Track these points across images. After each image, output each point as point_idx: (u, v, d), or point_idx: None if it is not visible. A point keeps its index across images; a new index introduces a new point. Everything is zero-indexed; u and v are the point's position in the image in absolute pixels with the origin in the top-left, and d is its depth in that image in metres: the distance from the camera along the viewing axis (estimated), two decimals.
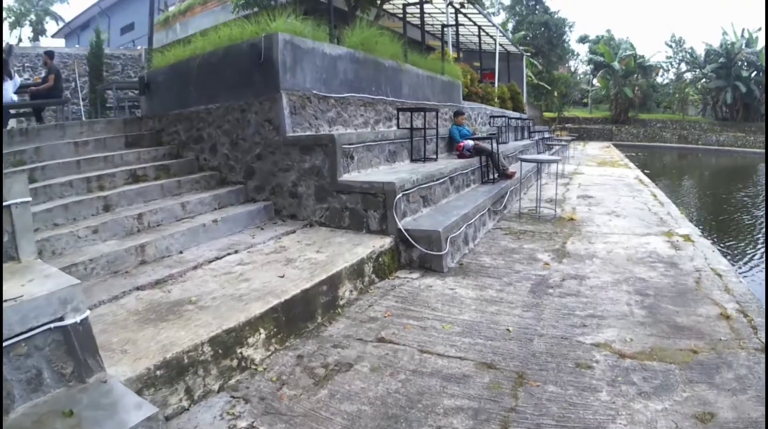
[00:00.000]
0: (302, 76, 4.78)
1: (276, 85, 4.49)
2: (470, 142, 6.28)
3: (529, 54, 22.72)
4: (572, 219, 5.46)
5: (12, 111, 6.61)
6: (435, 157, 6.09)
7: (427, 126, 6.06)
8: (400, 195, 3.96)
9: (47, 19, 27.24)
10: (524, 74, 19.53)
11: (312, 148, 4.32)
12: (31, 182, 4.14)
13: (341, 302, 3.19)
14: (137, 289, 3.04)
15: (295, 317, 2.78)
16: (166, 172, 5.05)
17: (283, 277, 3.09)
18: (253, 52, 4.57)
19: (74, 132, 5.56)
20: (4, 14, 25.88)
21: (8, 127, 5.70)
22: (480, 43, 15.05)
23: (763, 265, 4.95)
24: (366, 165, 4.89)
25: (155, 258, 3.60)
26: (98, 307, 2.77)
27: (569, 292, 3.25)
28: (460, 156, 6.21)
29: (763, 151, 17.31)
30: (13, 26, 26.53)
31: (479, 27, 14.18)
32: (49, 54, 7.18)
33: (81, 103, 10.60)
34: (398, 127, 6.10)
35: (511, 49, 18.17)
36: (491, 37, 15.50)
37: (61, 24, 25.24)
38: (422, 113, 6.26)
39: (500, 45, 16.06)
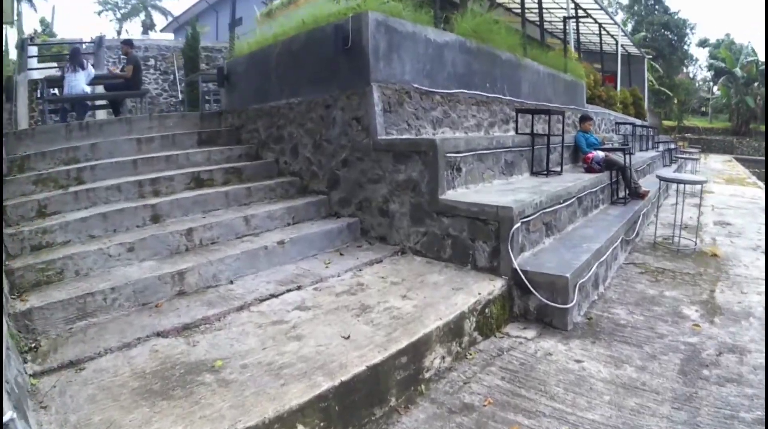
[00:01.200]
0: (399, 66, 5.00)
1: (365, 75, 4.70)
2: (600, 154, 6.67)
3: (650, 56, 27.16)
4: (715, 254, 5.77)
5: (88, 103, 8.00)
6: (559, 169, 6.40)
7: (550, 132, 6.32)
8: (519, 224, 3.94)
9: (154, 14, 34.67)
10: (645, 78, 22.35)
11: (408, 156, 4.41)
12: (78, 184, 4.79)
13: (427, 375, 2.99)
14: (158, 334, 2.96)
15: (354, 403, 2.51)
16: (237, 176, 5.42)
17: (348, 338, 2.89)
18: (339, 36, 4.78)
19: (142, 127, 6.38)
20: (116, 13, 34.97)
21: (84, 121, 6.85)
22: (601, 43, 17.02)
23: None
24: (476, 179, 4.96)
25: (197, 288, 3.72)
26: (102, 358, 2.72)
27: (729, 375, 3.10)
28: (588, 170, 6.60)
29: None
30: (123, 20, 34.94)
31: (600, 25, 15.99)
32: (128, 43, 8.44)
33: (180, 95, 12.76)
34: (516, 132, 6.48)
35: (632, 50, 20.74)
36: (612, 36, 17.74)
37: (170, 19, 32.19)
38: (546, 116, 6.66)
39: (621, 46, 18.39)
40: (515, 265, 3.76)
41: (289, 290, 3.67)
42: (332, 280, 3.87)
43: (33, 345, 2.97)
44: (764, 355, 3.23)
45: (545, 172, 5.97)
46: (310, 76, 5.28)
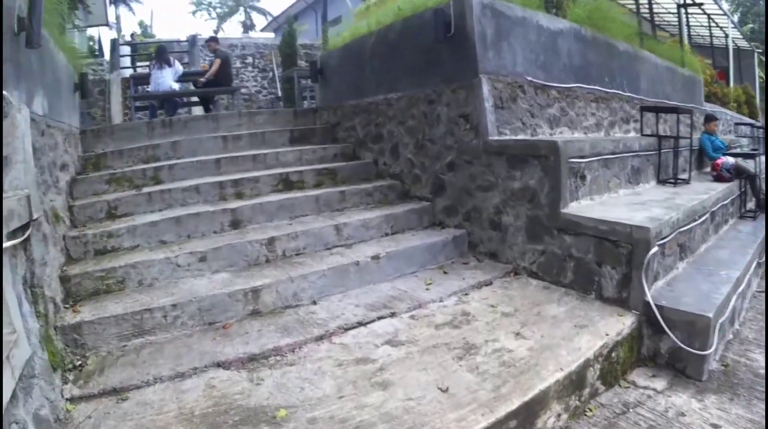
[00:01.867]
0: (510, 56, 5.08)
1: (473, 66, 4.75)
2: (730, 160, 6.67)
3: (759, 50, 26.77)
4: None
5: (179, 100, 8.64)
6: (686, 177, 6.41)
7: (678, 134, 6.38)
8: (656, 248, 3.73)
9: (253, 14, 38.90)
10: (756, 74, 22.55)
11: (524, 161, 4.41)
12: (155, 183, 4.99)
13: None
14: (218, 365, 2.75)
15: None
16: (331, 178, 5.47)
17: (446, 390, 2.63)
18: (440, 22, 4.86)
19: (229, 124, 6.64)
20: (210, 13, 39.24)
21: (167, 118, 7.32)
22: (711, 36, 17.85)
23: None
24: (602, 188, 4.89)
25: (273, 308, 3.65)
26: (149, 388, 2.58)
27: None
28: (717, 178, 6.58)
29: None
30: (221, 20, 39.14)
31: (708, 16, 16.33)
32: (214, 39, 9.22)
33: (279, 92, 13.71)
34: (641, 134, 6.48)
35: (741, 43, 21.18)
36: (721, 29, 18.22)
37: (269, 19, 35.79)
38: (671, 116, 6.94)
39: (731, 39, 19.22)
40: (648, 297, 3.62)
41: (380, 317, 3.49)
42: (432, 307, 3.71)
43: (79, 363, 2.95)
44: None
45: (673, 181, 5.99)
46: (408, 69, 5.40)
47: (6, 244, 2.31)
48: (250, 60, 14.89)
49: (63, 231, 4.09)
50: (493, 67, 4.77)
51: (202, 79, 8.29)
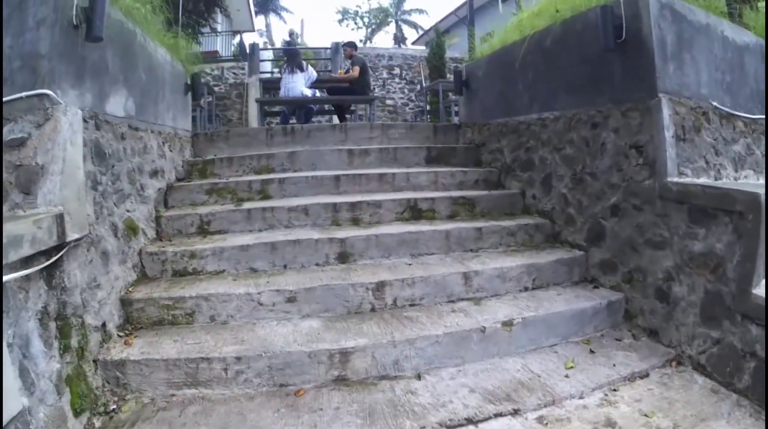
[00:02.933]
0: (693, 72, 4.64)
1: (650, 82, 4.34)
2: None
3: None
4: None
5: (313, 107, 8.84)
6: None
7: None
8: None
9: (405, 28, 42.17)
10: None
11: (712, 216, 3.95)
12: (261, 198, 4.96)
13: None
14: None
15: None
16: (468, 209, 5.13)
17: None
18: (608, 24, 4.41)
19: (359, 137, 6.55)
20: (356, 22, 42.32)
21: (290, 125, 7.39)
22: None
23: None
24: None
25: (365, 377, 3.27)
26: None
27: None
28: None
29: None
30: (374, 32, 42.73)
31: None
32: (351, 45, 9.50)
33: (428, 106, 14.00)
34: None
35: None
36: None
37: (420, 32, 38.47)
38: None
39: None
40: None
41: (498, 414, 2.97)
42: (569, 405, 3.16)
43: (113, 407, 2.83)
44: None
45: None
46: (568, 83, 4.96)
47: (5, 278, 2.18)
48: (397, 71, 15.65)
49: (140, 245, 4.10)
50: (675, 85, 4.21)
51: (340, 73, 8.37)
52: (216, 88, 14.07)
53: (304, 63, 8.60)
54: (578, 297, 4.04)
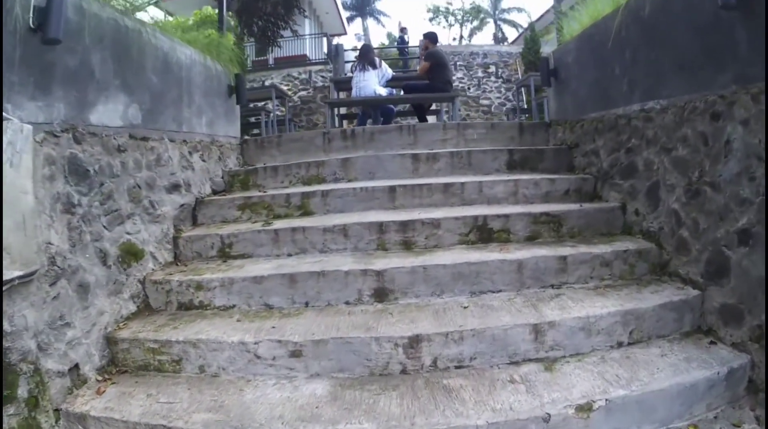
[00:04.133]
0: None
1: None
2: None
3: None
4: None
5: (393, 108, 8.22)
6: None
7: None
8: None
9: (504, 27, 42.24)
10: None
11: None
12: (300, 213, 4.46)
13: None
14: None
15: None
16: (553, 229, 4.10)
17: None
18: None
19: (430, 139, 5.81)
20: (448, 19, 42.22)
21: (350, 128, 6.78)
22: None
23: None
24: None
25: None
26: None
27: None
28: None
29: None
30: (472, 32, 42.90)
31: None
32: (429, 37, 8.76)
33: (526, 105, 13.60)
34: None
35: None
36: None
37: (521, 30, 38.38)
38: None
39: None
40: None
41: None
42: None
43: None
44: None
45: None
46: (676, 61, 3.76)
47: None
48: (492, 69, 15.46)
49: (146, 272, 3.64)
50: None
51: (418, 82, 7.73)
52: (304, 92, 13.87)
53: (377, 59, 7.95)
54: (689, 360, 2.99)
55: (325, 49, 16.41)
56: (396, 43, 21.61)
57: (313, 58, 17.39)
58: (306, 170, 5.01)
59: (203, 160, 4.61)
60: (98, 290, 3.04)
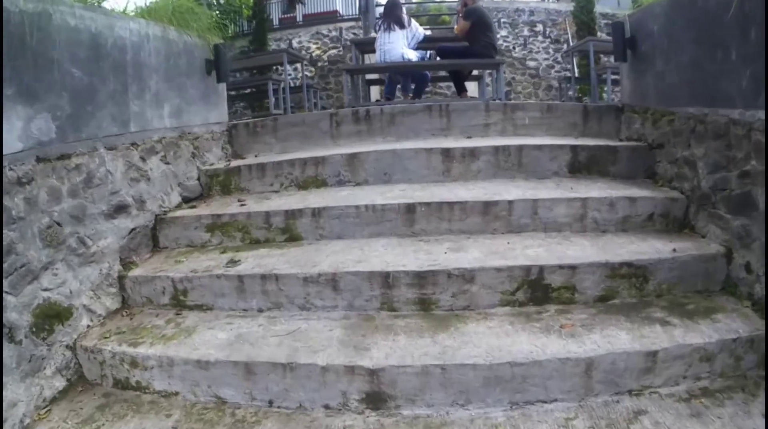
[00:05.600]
0: None
1: None
2: None
3: None
4: None
5: (427, 74, 6.92)
6: None
7: None
8: None
9: None
10: None
11: None
12: (288, 240, 3.29)
13: None
14: None
15: None
16: (636, 285, 2.78)
17: None
18: None
19: (467, 123, 4.56)
20: None
21: (369, 107, 5.23)
22: None
23: None
24: None
25: None
26: None
27: None
28: None
29: None
30: None
31: None
32: None
33: (575, 69, 12.25)
34: None
35: None
36: None
37: None
38: None
39: None
40: None
41: None
42: None
43: None
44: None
45: None
46: None
47: None
48: (539, 28, 14.43)
49: (78, 332, 2.71)
50: None
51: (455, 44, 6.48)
52: (334, 50, 12.71)
53: (405, 17, 6.57)
54: None
55: (359, 3, 15.11)
56: None
57: (345, 14, 15.94)
58: (301, 169, 3.84)
59: (166, 163, 3.49)
60: (6, 377, 2.29)
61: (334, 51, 12.55)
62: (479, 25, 6.33)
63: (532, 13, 14.41)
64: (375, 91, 8.81)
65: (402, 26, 6.32)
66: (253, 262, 2.86)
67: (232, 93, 8.47)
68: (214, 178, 3.87)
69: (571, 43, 13.49)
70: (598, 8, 13.58)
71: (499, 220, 3.14)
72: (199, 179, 3.86)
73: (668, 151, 3.67)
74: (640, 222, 3.32)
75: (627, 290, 2.71)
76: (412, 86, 6.77)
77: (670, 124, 3.64)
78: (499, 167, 3.76)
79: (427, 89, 7.98)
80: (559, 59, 13.96)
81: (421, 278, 2.61)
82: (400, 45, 6.21)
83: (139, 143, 3.26)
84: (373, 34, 7.59)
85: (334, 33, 13.09)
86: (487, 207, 3.13)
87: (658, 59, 3.94)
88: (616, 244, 2.90)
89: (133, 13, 3.68)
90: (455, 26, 7.85)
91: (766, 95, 2.55)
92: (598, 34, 12.79)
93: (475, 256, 2.73)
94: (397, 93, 7.15)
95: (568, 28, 13.80)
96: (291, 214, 3.22)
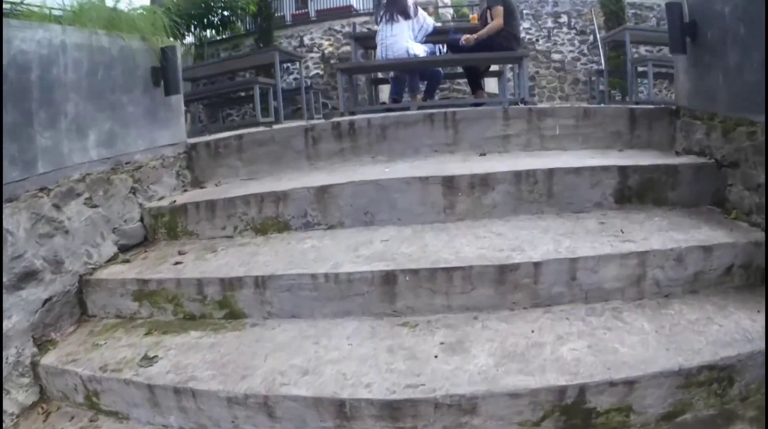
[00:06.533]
0: None
1: None
2: None
3: None
4: None
5: (440, 71, 5.83)
6: None
7: None
8: None
9: None
10: None
11: None
12: (228, 317, 2.42)
13: None
14: None
15: None
16: (717, 392, 1.83)
17: None
18: None
19: (480, 136, 3.55)
20: None
21: (351, 118, 4.10)
22: None
23: None
24: None
25: None
26: None
27: None
28: None
29: None
30: None
31: None
32: None
33: (603, 63, 11.50)
34: None
35: None
36: None
37: None
38: None
39: None
40: None
41: None
42: None
43: None
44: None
45: None
46: None
47: None
48: (564, 19, 13.87)
49: None
50: None
51: (468, 39, 5.32)
52: (347, 47, 11.85)
53: (411, 6, 5.55)
54: None
55: None
56: None
57: (360, 8, 15.08)
58: (258, 208, 2.90)
59: (93, 206, 2.64)
60: None
61: (348, 47, 11.58)
62: (508, 12, 5.35)
63: (556, 3, 13.86)
64: (386, 91, 7.56)
65: (407, 16, 5.37)
66: (173, 359, 2.02)
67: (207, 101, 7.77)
68: (158, 219, 2.99)
69: (598, 35, 13.14)
70: None
71: (521, 290, 2.17)
72: (142, 220, 2.98)
73: (746, 173, 2.69)
74: (716, 278, 2.37)
75: (704, 400, 1.79)
76: (423, 85, 5.74)
77: (750, 138, 2.65)
78: (521, 200, 2.78)
79: (444, 86, 6.99)
80: (585, 51, 13.46)
81: (394, 409, 1.66)
82: (404, 38, 5.29)
83: (50, 187, 2.41)
84: (375, 27, 6.58)
85: (347, 29, 12.23)
86: (502, 273, 2.15)
87: (732, 51, 2.93)
88: (688, 326, 1.96)
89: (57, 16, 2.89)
90: (474, 16, 6.92)
91: None
92: (630, 25, 11.94)
93: (481, 362, 1.79)
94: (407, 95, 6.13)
95: (594, 19, 13.20)
96: (228, 284, 2.34)
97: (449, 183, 2.76)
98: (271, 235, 2.85)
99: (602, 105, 4.09)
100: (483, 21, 5.54)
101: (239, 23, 12.83)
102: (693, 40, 3.29)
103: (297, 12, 14.84)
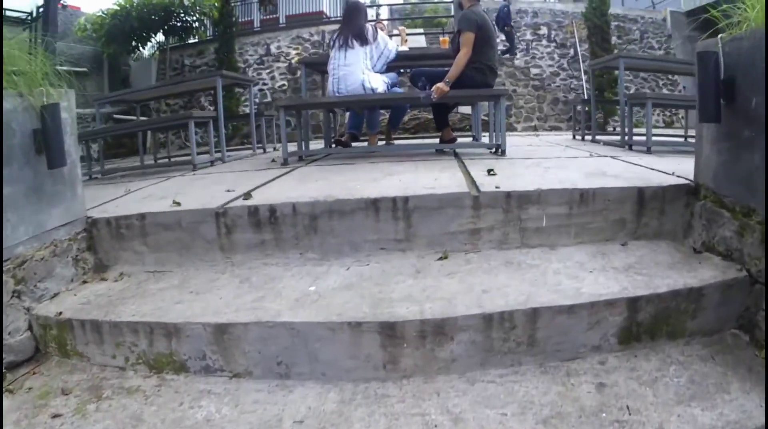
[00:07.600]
0: None
1: None
2: None
3: None
4: None
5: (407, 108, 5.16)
6: None
7: None
8: None
9: None
10: None
11: None
12: None
13: None
14: None
15: None
16: None
17: None
18: None
19: (441, 229, 2.70)
20: None
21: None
22: None
23: None
24: None
25: None
26: None
27: None
28: None
29: None
30: None
31: None
32: None
33: (584, 81, 11.66)
34: None
35: None
36: None
37: None
38: None
39: None
40: None
41: None
42: None
43: None
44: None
45: None
46: None
47: None
48: (544, 31, 13.80)
49: None
50: None
51: (440, 90, 4.31)
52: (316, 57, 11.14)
53: (371, 28, 4.70)
54: None
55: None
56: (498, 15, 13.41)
57: (333, 15, 14.25)
58: (149, 340, 2.11)
59: None
60: None
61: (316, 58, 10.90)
62: (481, 37, 4.50)
63: (536, 14, 13.59)
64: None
65: (364, 42, 4.52)
66: None
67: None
68: (47, 330, 2.26)
69: (578, 48, 13.19)
70: (615, 9, 13.18)
71: None
72: (31, 329, 2.28)
73: None
74: None
75: None
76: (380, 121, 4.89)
77: None
78: (491, 351, 1.96)
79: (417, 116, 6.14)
80: (565, 65, 13.61)
81: None
82: (360, 68, 4.45)
83: None
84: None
85: (315, 37, 11.57)
86: None
87: None
88: None
89: None
90: (444, 39, 6.16)
91: None
92: (614, 40, 12.70)
93: None
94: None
95: (575, 31, 12.93)
96: None
97: (390, 332, 1.95)
98: (166, 377, 2.12)
99: (603, 188, 3.12)
100: (455, 46, 4.67)
101: (202, 29, 11.96)
102: (728, 103, 2.45)
103: (266, 17, 14.08)
